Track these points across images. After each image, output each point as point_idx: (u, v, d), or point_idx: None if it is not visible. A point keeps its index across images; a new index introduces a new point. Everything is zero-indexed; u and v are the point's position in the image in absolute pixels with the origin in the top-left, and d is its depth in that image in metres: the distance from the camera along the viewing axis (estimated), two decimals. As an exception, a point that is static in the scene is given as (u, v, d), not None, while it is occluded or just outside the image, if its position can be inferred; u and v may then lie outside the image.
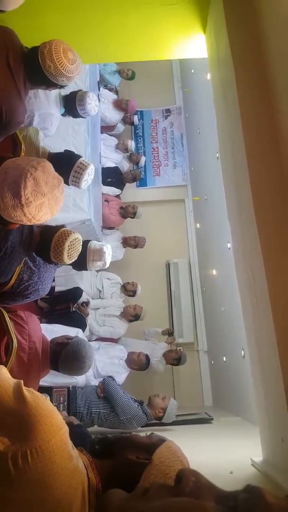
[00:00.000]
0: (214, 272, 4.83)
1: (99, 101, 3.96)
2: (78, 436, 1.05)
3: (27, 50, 1.84)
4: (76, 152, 2.37)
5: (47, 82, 1.84)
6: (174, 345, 5.09)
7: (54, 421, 0.93)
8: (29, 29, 1.96)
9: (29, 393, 0.95)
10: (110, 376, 3.39)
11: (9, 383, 0.98)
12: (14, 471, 0.85)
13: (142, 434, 1.13)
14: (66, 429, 0.96)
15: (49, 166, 1.28)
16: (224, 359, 4.46)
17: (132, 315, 4.39)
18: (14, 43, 1.79)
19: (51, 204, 1.27)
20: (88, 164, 2.24)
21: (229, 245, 3.65)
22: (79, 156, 2.27)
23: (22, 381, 0.99)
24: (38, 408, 0.93)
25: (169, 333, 4.94)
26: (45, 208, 1.26)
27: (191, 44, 2.87)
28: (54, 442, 0.90)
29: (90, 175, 2.27)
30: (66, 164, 2.20)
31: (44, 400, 0.96)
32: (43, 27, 2.53)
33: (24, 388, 0.96)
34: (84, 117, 2.51)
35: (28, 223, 1.29)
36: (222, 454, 2.40)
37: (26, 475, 0.86)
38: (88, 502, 0.94)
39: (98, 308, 4.48)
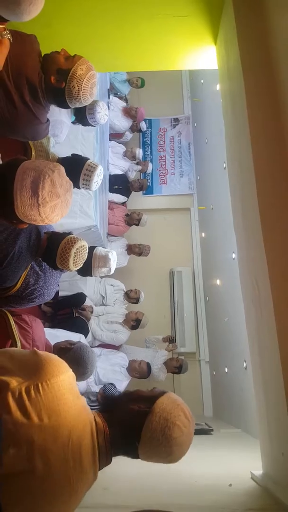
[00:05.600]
0: (218, 282, 4.83)
1: (108, 109, 4.01)
2: None
3: (55, 81, 1.82)
4: (84, 158, 2.40)
5: (60, 99, 1.84)
6: (175, 353, 5.08)
7: (62, 364, 1.07)
8: (43, 38, 1.99)
9: (41, 351, 1.11)
10: (111, 383, 3.39)
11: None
12: (28, 401, 0.98)
13: None
14: (73, 375, 1.09)
15: (63, 170, 1.34)
16: (226, 370, 4.44)
17: (133, 319, 4.38)
18: (29, 74, 1.75)
19: (63, 206, 1.32)
20: (96, 165, 2.28)
21: (234, 255, 3.65)
22: (86, 159, 2.30)
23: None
24: (48, 355, 1.09)
25: (170, 340, 4.91)
26: (58, 209, 1.31)
27: (202, 55, 2.91)
28: (62, 378, 1.03)
29: (99, 176, 2.30)
30: (75, 168, 2.23)
31: (54, 355, 1.10)
32: (56, 36, 2.57)
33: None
34: (94, 126, 2.54)
35: (41, 223, 1.33)
36: (222, 466, 2.39)
37: (39, 403, 0.98)
38: (97, 444, 1.03)
39: (102, 315, 4.48)
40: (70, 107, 1.92)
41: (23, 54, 1.74)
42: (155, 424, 1.03)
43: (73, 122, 2.63)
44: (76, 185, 2.23)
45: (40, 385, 0.99)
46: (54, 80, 1.76)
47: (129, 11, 2.60)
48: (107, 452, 1.05)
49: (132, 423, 1.05)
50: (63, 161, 2.29)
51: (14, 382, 1.00)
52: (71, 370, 1.08)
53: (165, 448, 1.03)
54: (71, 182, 1.36)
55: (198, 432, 3.81)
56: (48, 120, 1.97)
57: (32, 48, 1.81)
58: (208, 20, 2.64)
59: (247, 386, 3.29)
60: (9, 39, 1.52)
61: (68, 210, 1.37)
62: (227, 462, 2.50)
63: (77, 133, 3.58)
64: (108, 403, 1.16)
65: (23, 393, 0.98)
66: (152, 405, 1.06)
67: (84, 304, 4.18)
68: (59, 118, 2.42)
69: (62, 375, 1.04)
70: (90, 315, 4.20)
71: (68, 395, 1.02)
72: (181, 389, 5.35)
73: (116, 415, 1.09)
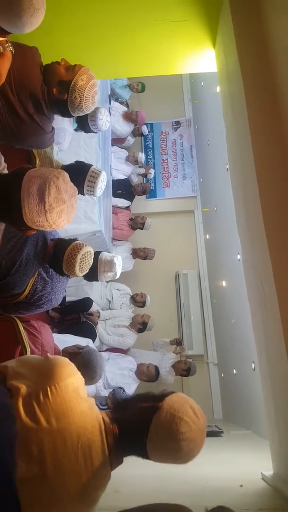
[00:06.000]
0: (224, 283, 4.83)
1: (110, 114, 4.05)
2: None
3: (57, 94, 1.86)
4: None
5: (63, 109, 1.89)
6: (183, 355, 5.08)
7: (70, 367, 1.11)
8: (43, 47, 2.02)
9: (51, 355, 1.16)
10: (120, 387, 3.40)
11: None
12: (37, 406, 1.01)
13: None
14: (81, 377, 1.12)
15: (67, 176, 1.37)
16: (234, 372, 4.44)
17: (140, 323, 4.40)
18: (32, 88, 1.80)
19: (69, 211, 1.36)
20: (99, 171, 2.31)
21: (239, 256, 3.66)
22: (89, 165, 2.33)
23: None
24: (57, 359, 1.13)
25: (178, 342, 4.91)
26: (64, 214, 1.34)
27: (201, 59, 2.93)
28: (69, 381, 1.06)
29: (103, 182, 2.34)
30: (79, 175, 2.27)
31: (63, 358, 1.14)
32: (56, 45, 2.61)
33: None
34: (96, 132, 2.58)
35: (48, 229, 1.37)
36: (232, 467, 2.40)
37: (47, 407, 1.01)
38: (106, 443, 1.05)
39: (108, 319, 4.50)
40: (73, 116, 1.95)
41: (25, 67, 1.78)
42: (162, 419, 1.03)
43: (75, 130, 2.66)
44: (81, 191, 2.26)
45: (48, 389, 1.02)
46: (56, 92, 1.80)
47: (128, 18, 2.64)
48: (117, 451, 1.06)
49: (140, 419, 1.06)
50: (67, 169, 2.32)
51: (24, 387, 1.03)
52: (79, 372, 1.11)
53: (173, 443, 1.02)
54: (76, 188, 1.39)
55: (208, 434, 3.79)
56: (53, 129, 2.00)
57: (34, 60, 1.85)
58: (206, 24, 2.66)
59: (256, 387, 3.29)
60: (11, 51, 1.56)
61: (74, 215, 1.40)
62: (238, 463, 2.50)
63: (79, 139, 3.62)
64: (118, 405, 1.18)
65: (32, 398, 1.01)
66: (160, 402, 1.07)
67: (91, 309, 4.20)
68: (61, 126, 2.45)
69: (70, 377, 1.07)
70: (97, 319, 4.23)
71: (76, 397, 1.05)
72: (190, 392, 5.34)
73: (125, 414, 1.11)
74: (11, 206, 1.28)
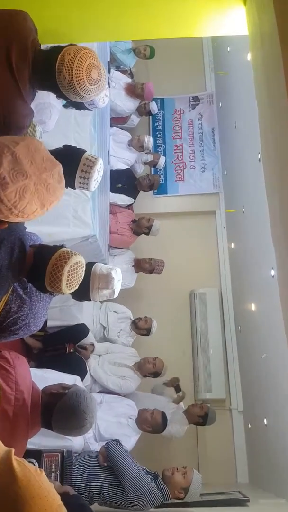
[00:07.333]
0: (253, 307, 4.82)
1: (109, 86, 4.09)
2: (76, 510, 1.08)
3: (47, 49, 1.97)
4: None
5: (56, 92, 1.94)
6: (199, 400, 5.04)
7: (48, 503, 0.96)
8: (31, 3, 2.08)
9: (19, 466, 0.99)
10: (115, 440, 3.38)
11: None
12: None
13: None
14: (63, 511, 1.00)
15: (38, 144, 1.31)
16: (265, 422, 4.40)
17: (151, 372, 4.39)
18: (21, 35, 1.89)
19: (40, 191, 1.28)
20: (96, 158, 2.30)
21: (273, 272, 3.66)
22: (83, 151, 2.33)
23: (12, 450, 1.02)
24: (29, 487, 0.96)
25: (175, 385, 4.74)
26: (30, 194, 1.26)
27: (228, 18, 2.96)
28: None
29: (99, 172, 2.32)
30: (69, 164, 2.26)
31: (36, 476, 0.99)
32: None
33: (14, 459, 1.00)
34: (91, 110, 2.59)
35: (12, 217, 1.29)
36: None
37: None
38: None
39: (106, 353, 4.47)
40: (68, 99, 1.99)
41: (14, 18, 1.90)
42: None
43: (64, 106, 2.68)
44: (71, 184, 2.25)
45: None
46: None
47: None
48: None
49: None
50: (54, 155, 2.34)
51: None
52: (62, 507, 1.00)
53: None
54: (57, 162, 1.35)
55: (230, 502, 3.78)
56: (32, 111, 2.01)
57: (26, 19, 1.98)
58: (235, -27, 2.70)
59: (293, 443, 3.27)
60: None
61: (53, 198, 1.34)
62: None
63: (69, 118, 3.66)
64: None
65: None
66: None
67: (86, 339, 4.19)
68: (47, 100, 2.47)
69: None
70: (90, 354, 4.21)
71: None
72: (207, 447, 5.30)
73: None
74: None
